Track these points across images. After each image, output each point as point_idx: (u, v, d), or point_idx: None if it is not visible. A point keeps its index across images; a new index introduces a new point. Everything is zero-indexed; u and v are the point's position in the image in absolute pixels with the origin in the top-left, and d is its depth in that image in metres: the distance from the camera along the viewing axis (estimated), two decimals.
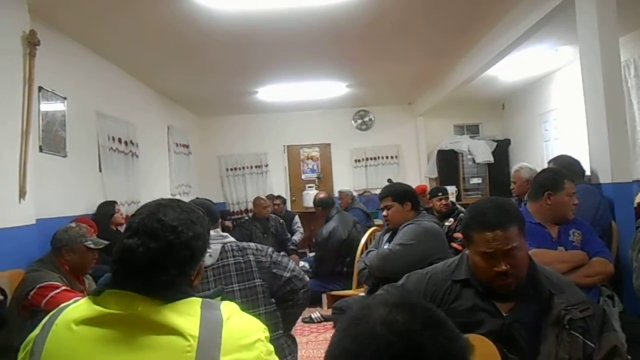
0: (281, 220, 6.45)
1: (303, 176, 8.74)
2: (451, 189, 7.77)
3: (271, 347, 1.14)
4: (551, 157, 3.60)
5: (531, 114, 7.62)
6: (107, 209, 4.18)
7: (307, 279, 2.28)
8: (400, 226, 2.92)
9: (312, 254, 6.49)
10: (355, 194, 7.49)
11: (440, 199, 4.89)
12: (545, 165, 3.26)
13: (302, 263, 5.74)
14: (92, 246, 2.72)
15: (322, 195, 5.58)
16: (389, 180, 6.04)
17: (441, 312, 0.77)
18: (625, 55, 4.49)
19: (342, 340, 0.75)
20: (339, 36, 4.64)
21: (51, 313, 1.13)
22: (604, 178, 3.08)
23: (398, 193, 3.00)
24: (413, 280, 1.67)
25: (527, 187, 3.83)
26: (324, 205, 5.32)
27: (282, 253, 2.28)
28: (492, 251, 1.49)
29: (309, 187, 8.41)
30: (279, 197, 7.46)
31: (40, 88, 3.54)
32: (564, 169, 2.95)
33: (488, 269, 1.51)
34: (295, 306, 2.18)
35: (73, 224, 2.85)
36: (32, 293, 2.44)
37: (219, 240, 2.09)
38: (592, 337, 1.43)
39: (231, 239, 2.15)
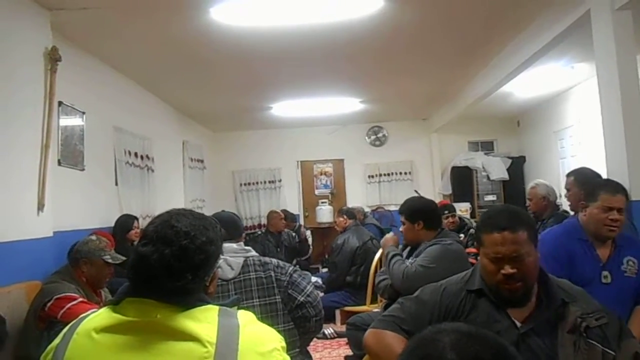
0: (293, 234, 6.53)
1: (316, 191, 8.74)
2: (465, 206, 7.74)
3: (287, 358, 1.14)
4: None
5: (547, 131, 7.57)
6: (126, 221, 4.20)
7: (321, 295, 2.22)
8: (422, 244, 2.85)
9: (324, 270, 6.51)
10: (368, 210, 7.50)
11: (447, 217, 4.87)
12: (562, 183, 3.21)
13: (314, 278, 5.73)
14: (110, 261, 2.74)
15: (350, 206, 6.45)
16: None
17: (512, 348, 0.76)
18: None
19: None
20: (354, 52, 4.67)
21: (72, 323, 1.14)
22: None
23: (410, 212, 2.91)
24: (428, 292, 1.67)
25: (543, 204, 3.80)
26: (349, 215, 5.47)
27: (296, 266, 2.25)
28: (500, 256, 1.50)
29: (322, 202, 8.41)
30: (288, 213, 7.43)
31: (60, 103, 3.60)
32: (587, 182, 2.83)
33: (495, 272, 1.52)
34: (306, 333, 2.14)
35: (93, 237, 2.86)
36: (49, 304, 2.46)
37: (241, 254, 2.08)
38: (610, 345, 1.42)
39: (254, 253, 2.13)
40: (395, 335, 1.56)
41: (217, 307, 1.13)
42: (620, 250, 2.22)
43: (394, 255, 2.90)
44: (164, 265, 1.10)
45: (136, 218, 4.35)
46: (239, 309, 1.19)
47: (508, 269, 1.49)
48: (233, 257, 2.06)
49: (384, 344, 1.56)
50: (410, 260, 2.91)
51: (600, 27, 3.22)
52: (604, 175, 3.20)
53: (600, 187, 2.30)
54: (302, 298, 2.06)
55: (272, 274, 2.05)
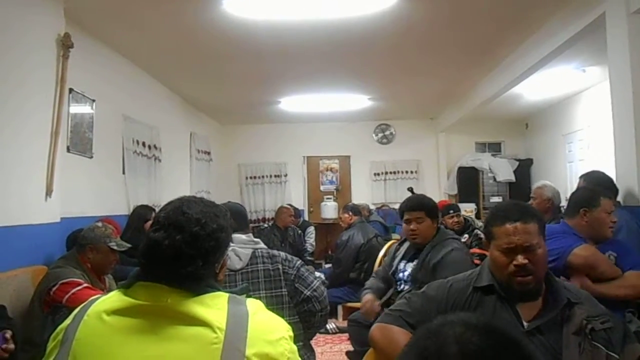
0: (299, 231, 6.53)
1: (322, 187, 8.75)
2: (470, 207, 7.73)
3: (295, 347, 1.15)
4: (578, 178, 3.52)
5: (555, 134, 7.53)
6: (143, 212, 4.17)
7: (325, 293, 2.20)
8: (426, 247, 2.77)
9: (328, 265, 6.51)
10: (372, 207, 7.49)
11: (452, 217, 4.87)
12: (569, 186, 3.21)
13: (317, 274, 5.73)
14: (115, 248, 2.75)
15: (356, 202, 6.35)
16: (410, 189, 5.96)
17: (527, 343, 0.74)
18: None
19: (410, 352, 0.72)
20: (364, 49, 4.66)
21: (82, 304, 1.15)
22: (632, 201, 3.02)
23: (430, 208, 2.87)
24: (434, 288, 1.67)
25: (547, 206, 3.77)
26: (354, 212, 5.45)
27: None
28: (513, 246, 1.52)
29: (327, 198, 8.42)
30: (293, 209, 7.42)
31: (70, 90, 3.61)
32: (596, 186, 2.89)
33: (507, 265, 1.53)
34: (311, 327, 2.15)
35: (99, 224, 2.87)
36: (54, 289, 2.47)
37: (250, 246, 2.10)
38: (614, 349, 1.43)
39: (262, 245, 2.15)
40: (402, 330, 1.57)
41: (226, 294, 1.14)
42: (603, 247, 2.45)
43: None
44: (175, 251, 1.11)
45: (154, 209, 4.32)
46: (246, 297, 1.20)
47: (520, 259, 1.50)
48: (242, 247, 2.08)
49: (391, 338, 1.56)
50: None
51: (614, 31, 3.19)
52: (614, 179, 3.18)
53: (599, 193, 2.55)
54: (309, 292, 2.07)
55: (280, 266, 2.06)
